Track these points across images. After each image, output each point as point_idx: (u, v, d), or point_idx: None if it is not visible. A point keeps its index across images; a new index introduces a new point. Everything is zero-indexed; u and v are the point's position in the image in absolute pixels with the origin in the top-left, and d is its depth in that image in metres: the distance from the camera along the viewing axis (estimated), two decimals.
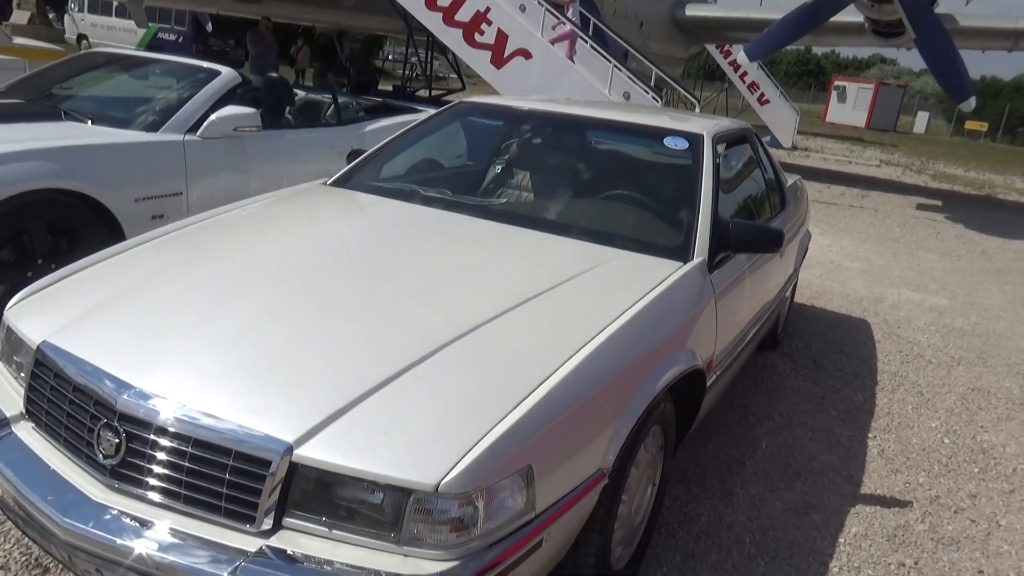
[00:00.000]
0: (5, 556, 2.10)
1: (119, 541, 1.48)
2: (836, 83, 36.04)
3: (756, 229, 2.59)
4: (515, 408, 1.60)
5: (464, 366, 1.73)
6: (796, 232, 3.97)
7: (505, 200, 3.09)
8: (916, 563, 2.57)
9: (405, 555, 1.46)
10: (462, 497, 1.46)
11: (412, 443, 1.51)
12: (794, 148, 19.39)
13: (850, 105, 34.43)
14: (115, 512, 1.54)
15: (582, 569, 1.91)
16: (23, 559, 2.10)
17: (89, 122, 3.76)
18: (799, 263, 4.37)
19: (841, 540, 2.64)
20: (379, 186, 3.04)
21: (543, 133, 3.42)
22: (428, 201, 2.83)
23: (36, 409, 1.79)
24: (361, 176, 3.13)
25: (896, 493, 3.01)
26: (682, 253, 2.49)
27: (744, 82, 19.07)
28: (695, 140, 2.93)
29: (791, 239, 3.75)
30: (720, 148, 3.02)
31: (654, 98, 8.86)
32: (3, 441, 1.76)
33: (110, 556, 1.49)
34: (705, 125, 3.07)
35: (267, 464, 1.48)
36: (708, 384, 2.43)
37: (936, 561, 2.59)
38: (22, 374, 1.85)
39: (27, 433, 1.77)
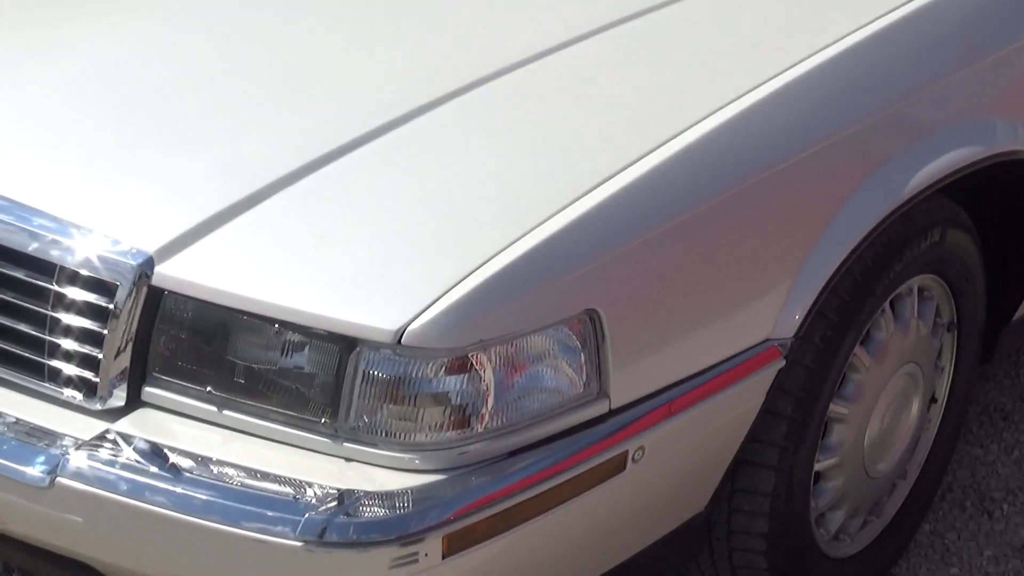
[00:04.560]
0: None
1: None
2: None
3: None
4: (567, 207, 0.85)
5: (473, 134, 0.99)
6: None
7: None
8: None
9: (347, 458, 0.79)
10: (448, 356, 0.77)
11: (362, 263, 0.82)
12: None
13: None
14: None
15: (737, 544, 1.10)
16: None
17: None
18: None
19: None
20: None
21: None
22: None
23: None
24: None
25: None
26: None
27: None
28: None
29: None
30: None
31: None
32: None
33: None
34: None
35: (111, 291, 0.83)
36: None
37: None
38: None
39: None
